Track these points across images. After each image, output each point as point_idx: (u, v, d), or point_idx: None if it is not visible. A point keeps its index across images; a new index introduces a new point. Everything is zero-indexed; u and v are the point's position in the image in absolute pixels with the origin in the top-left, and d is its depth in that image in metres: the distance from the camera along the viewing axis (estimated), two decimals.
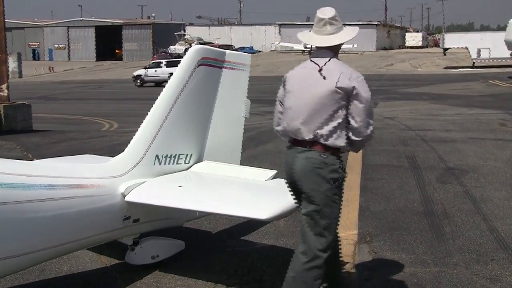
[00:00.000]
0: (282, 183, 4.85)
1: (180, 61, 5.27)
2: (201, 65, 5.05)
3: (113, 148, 10.78)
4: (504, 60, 40.99)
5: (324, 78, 3.61)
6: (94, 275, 4.79)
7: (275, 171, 4.96)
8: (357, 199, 6.93)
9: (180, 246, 5.01)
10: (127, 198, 4.45)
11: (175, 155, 5.00)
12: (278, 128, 3.92)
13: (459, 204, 6.67)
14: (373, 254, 5.13)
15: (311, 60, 3.74)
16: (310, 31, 3.84)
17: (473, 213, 6.30)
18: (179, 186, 4.68)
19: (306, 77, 3.70)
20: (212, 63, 5.19)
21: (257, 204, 4.35)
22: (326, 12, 3.74)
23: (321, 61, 3.68)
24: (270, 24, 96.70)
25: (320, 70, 3.63)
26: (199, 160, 5.23)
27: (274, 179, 4.88)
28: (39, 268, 4.71)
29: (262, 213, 4.09)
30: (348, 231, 5.75)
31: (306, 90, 3.66)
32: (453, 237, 5.54)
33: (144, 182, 4.63)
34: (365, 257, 5.04)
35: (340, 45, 3.75)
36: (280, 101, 3.90)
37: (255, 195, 4.67)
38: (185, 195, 4.56)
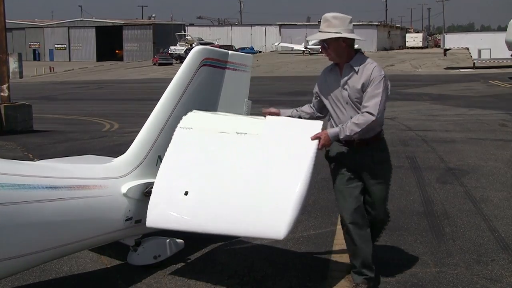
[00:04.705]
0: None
1: None
2: (204, 65, 5.03)
3: (114, 148, 10.80)
4: (504, 61, 40.96)
5: None
6: (95, 276, 4.80)
7: None
8: None
9: (180, 245, 5.00)
10: (148, 224, 4.26)
11: None
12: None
13: (459, 205, 6.68)
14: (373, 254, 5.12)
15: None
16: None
17: (474, 214, 6.30)
18: (185, 193, 4.28)
19: None
20: (215, 64, 5.17)
21: (269, 219, 3.95)
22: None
23: None
24: (270, 25, 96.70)
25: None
26: None
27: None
28: (39, 269, 4.72)
29: (278, 230, 3.84)
30: None
31: None
32: (453, 237, 5.55)
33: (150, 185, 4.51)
34: None
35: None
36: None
37: (266, 205, 4.05)
38: (194, 217, 4.17)
